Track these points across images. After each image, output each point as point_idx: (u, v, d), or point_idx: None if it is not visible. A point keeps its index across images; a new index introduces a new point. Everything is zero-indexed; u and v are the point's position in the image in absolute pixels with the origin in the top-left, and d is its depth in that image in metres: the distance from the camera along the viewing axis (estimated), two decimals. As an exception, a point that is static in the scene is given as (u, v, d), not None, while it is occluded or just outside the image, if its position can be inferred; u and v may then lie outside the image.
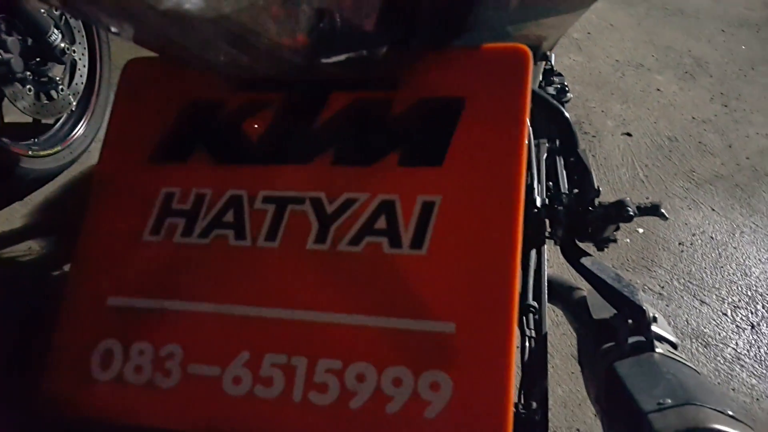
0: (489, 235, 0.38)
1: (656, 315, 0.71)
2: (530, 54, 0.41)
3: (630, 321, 0.71)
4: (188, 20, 0.31)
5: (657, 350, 0.68)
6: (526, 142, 0.39)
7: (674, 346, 0.72)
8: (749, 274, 1.68)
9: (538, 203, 0.78)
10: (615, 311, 0.74)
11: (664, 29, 2.77)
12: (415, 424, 0.36)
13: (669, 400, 0.57)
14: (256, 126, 0.42)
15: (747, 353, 1.48)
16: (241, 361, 0.39)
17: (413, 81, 0.41)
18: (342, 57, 0.35)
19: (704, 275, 1.67)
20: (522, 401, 0.76)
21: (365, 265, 0.39)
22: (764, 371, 1.46)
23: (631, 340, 0.70)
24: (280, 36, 0.33)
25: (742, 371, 1.45)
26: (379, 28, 0.34)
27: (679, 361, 0.67)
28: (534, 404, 0.74)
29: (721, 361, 1.47)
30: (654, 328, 0.71)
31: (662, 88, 2.39)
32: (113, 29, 0.37)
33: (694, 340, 1.53)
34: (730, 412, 0.55)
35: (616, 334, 0.72)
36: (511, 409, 0.37)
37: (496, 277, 0.38)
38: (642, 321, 0.70)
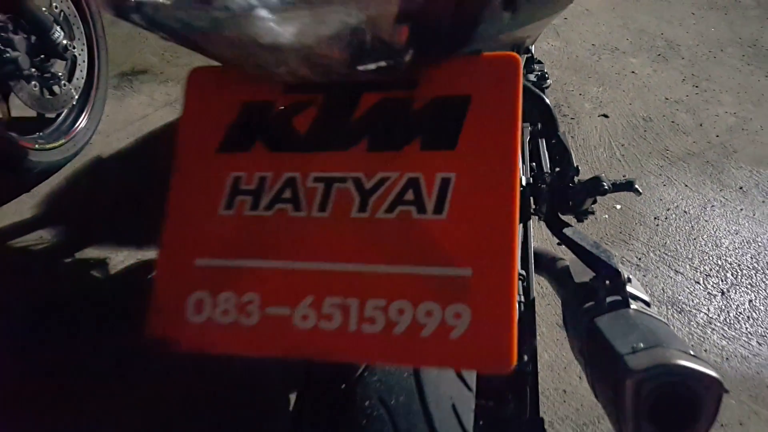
0: (494, 201, 0.48)
1: (630, 276, 0.81)
2: (520, 60, 0.50)
3: (607, 282, 0.81)
4: (272, 47, 0.40)
5: (631, 306, 0.78)
6: (520, 129, 0.49)
7: (647, 303, 0.83)
8: (720, 245, 1.78)
9: (523, 182, 0.88)
10: (594, 274, 0.85)
11: (638, 13, 2.85)
12: (443, 343, 0.47)
13: (641, 344, 0.67)
14: (303, 120, 0.52)
15: (718, 318, 1.59)
16: (307, 303, 0.49)
17: (429, 82, 0.51)
18: (373, 65, 0.45)
19: (678, 247, 1.77)
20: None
21: (399, 228, 0.50)
22: (733, 334, 1.55)
23: (608, 299, 0.80)
24: (330, 53, 0.42)
25: (714, 334, 1.55)
26: (403, 44, 0.44)
27: (650, 315, 0.77)
28: (525, 357, 0.84)
29: (695, 326, 1.56)
30: (628, 288, 0.81)
31: (637, 71, 2.48)
32: (189, 46, 0.46)
33: (669, 307, 1.61)
34: (692, 353, 0.66)
35: (595, 294, 0.82)
36: (515, 328, 0.46)
37: (501, 232, 0.48)
38: (617, 281, 0.80)
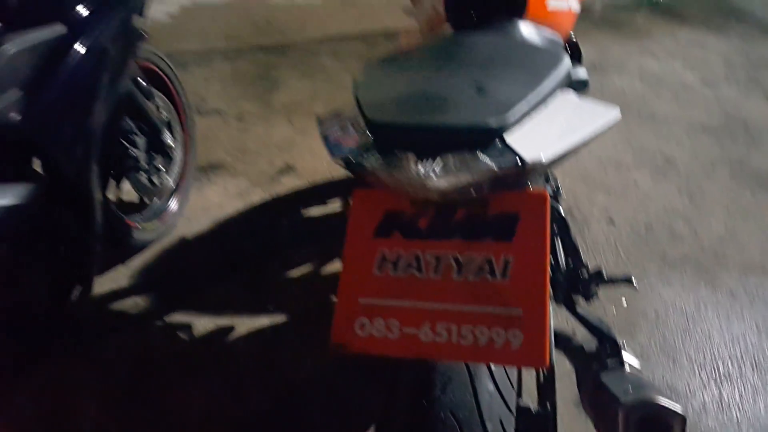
0: (534, 273, 0.80)
1: (624, 344, 1.10)
2: (548, 196, 0.84)
3: (608, 348, 1.10)
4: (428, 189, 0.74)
5: (625, 366, 1.07)
6: (549, 235, 0.81)
7: (637, 366, 1.11)
8: (712, 339, 1.98)
9: None
10: (598, 343, 1.14)
11: (639, 132, 3.14)
12: (508, 351, 0.77)
13: (631, 389, 0.96)
14: (423, 221, 0.85)
15: (710, 404, 1.76)
16: (427, 326, 0.80)
17: (495, 204, 0.83)
18: (463, 195, 0.80)
19: (676, 340, 1.96)
20: (539, 405, 1.14)
21: (481, 285, 0.81)
22: (724, 419, 1.72)
23: (609, 361, 1.09)
24: (451, 190, 0.77)
25: (707, 418, 1.72)
26: (485, 186, 0.79)
27: (639, 372, 1.06)
28: (548, 405, 1.11)
29: (690, 410, 1.73)
30: (623, 353, 1.10)
31: (639, 183, 2.73)
32: (366, 180, 0.81)
33: (669, 392, 1.78)
34: (666, 396, 0.94)
35: (599, 358, 1.11)
36: (548, 344, 0.76)
37: (539, 290, 0.79)
38: (615, 348, 1.09)
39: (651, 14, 4.56)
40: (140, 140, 1.89)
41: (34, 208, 1.36)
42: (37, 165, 1.50)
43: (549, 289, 0.78)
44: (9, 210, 1.30)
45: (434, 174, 0.72)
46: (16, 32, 1.36)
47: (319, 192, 2.58)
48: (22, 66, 1.37)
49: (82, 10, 1.52)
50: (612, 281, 1.23)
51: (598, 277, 1.21)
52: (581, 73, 1.33)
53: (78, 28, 1.49)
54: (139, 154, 1.88)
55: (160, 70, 2.11)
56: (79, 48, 1.47)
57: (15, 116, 1.35)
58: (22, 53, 1.37)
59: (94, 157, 1.53)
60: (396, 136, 0.82)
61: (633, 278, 1.27)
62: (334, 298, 1.87)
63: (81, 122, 1.49)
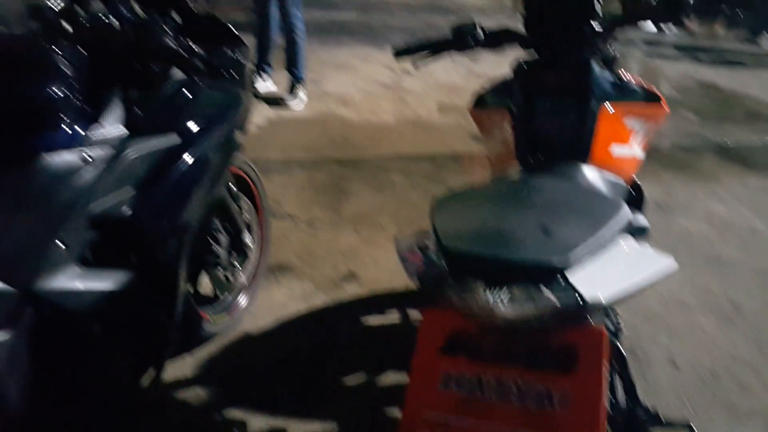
0: (591, 409, 0.84)
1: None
2: (606, 333, 0.90)
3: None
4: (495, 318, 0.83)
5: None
6: (607, 371, 0.86)
7: None
8: None
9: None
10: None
11: (704, 274, 3.07)
12: None
13: None
14: (487, 344, 0.92)
15: None
16: None
17: (556, 336, 0.90)
18: (526, 325, 0.87)
19: None
20: None
21: (539, 414, 0.85)
22: None
23: None
24: (515, 320, 0.85)
25: None
26: (545, 321, 0.87)
27: None
28: None
29: None
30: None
31: (704, 327, 2.65)
32: (434, 298, 0.90)
33: None
34: None
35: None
36: None
37: (595, 424, 0.83)
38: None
39: (718, 158, 4.61)
40: (223, 239, 2.07)
41: (128, 294, 1.50)
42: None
43: (605, 424, 0.82)
44: (108, 294, 1.45)
45: (501, 303, 0.81)
46: (139, 138, 1.58)
47: (378, 302, 2.66)
48: (139, 168, 1.58)
49: (194, 125, 1.75)
50: (670, 425, 1.23)
51: (655, 419, 1.21)
52: (641, 220, 1.41)
53: (189, 139, 1.71)
54: (221, 251, 2.04)
55: (248, 176, 2.33)
56: (188, 157, 1.69)
57: (126, 211, 1.54)
58: (140, 158, 1.58)
59: (186, 252, 1.69)
60: (468, 264, 0.91)
61: (693, 425, 1.26)
62: (387, 411, 1.92)
63: (180, 221, 1.67)
